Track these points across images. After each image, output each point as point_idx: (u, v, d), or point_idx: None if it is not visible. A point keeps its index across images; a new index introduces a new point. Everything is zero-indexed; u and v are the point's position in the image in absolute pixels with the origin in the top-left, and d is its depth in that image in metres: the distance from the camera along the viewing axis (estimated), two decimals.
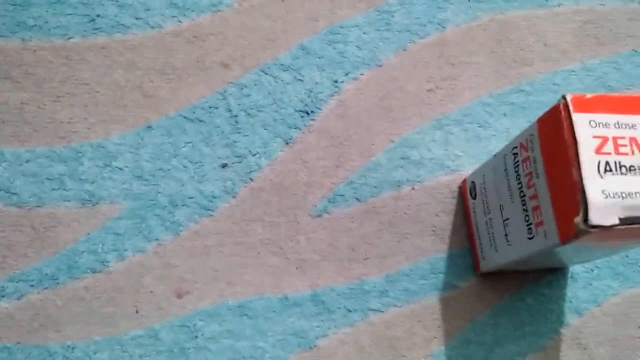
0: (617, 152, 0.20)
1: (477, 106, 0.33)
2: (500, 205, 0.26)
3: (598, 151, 0.20)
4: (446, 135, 0.32)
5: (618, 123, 0.20)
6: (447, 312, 0.29)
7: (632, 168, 0.20)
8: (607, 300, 0.30)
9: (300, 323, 0.28)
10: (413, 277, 0.29)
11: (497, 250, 0.26)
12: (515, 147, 0.24)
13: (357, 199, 0.30)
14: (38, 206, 0.28)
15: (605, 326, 0.30)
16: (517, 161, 0.24)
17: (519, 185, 0.24)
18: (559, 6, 0.36)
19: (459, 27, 0.34)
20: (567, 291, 0.30)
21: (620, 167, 0.20)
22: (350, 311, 0.28)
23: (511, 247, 0.25)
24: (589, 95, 0.21)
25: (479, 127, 0.32)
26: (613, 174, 0.19)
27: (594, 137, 0.20)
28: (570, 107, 0.20)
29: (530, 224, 0.23)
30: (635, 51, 0.35)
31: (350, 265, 0.29)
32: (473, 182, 0.29)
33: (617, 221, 0.19)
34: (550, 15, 0.35)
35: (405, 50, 0.33)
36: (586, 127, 0.20)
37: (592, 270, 0.30)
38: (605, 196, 0.19)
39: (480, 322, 0.29)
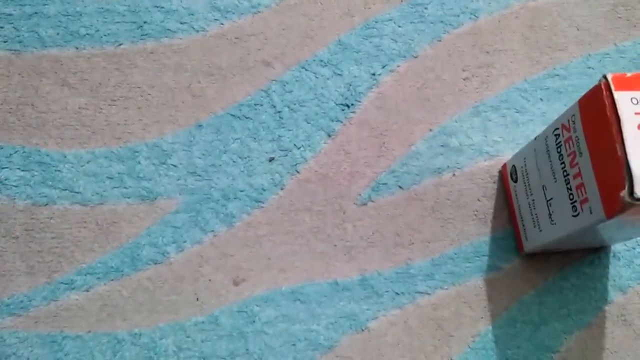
0: None
1: (513, 92, 0.33)
2: (543, 185, 0.26)
3: None
4: (484, 122, 0.33)
5: None
6: (493, 293, 0.30)
7: None
8: None
9: (350, 306, 0.29)
10: (457, 260, 0.30)
11: (540, 230, 0.27)
12: (557, 129, 0.25)
13: (400, 187, 0.31)
14: (100, 204, 0.30)
15: None
16: (559, 142, 0.25)
17: (562, 165, 0.24)
18: None
19: (492, 15, 0.35)
20: (609, 269, 0.30)
21: None
22: (398, 294, 0.30)
23: (555, 226, 0.26)
24: (629, 74, 0.21)
25: (516, 112, 0.33)
26: None
27: (636, 113, 0.21)
28: (612, 86, 0.21)
29: (575, 201, 0.24)
30: None
31: (396, 250, 0.30)
32: (514, 165, 0.30)
33: None
34: (580, 0, 0.36)
35: (440, 40, 0.34)
36: (628, 104, 0.21)
37: (634, 249, 0.31)
38: None
39: (526, 301, 0.30)
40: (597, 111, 0.22)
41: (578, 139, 0.23)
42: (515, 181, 0.30)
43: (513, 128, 0.33)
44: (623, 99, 0.21)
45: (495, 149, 0.32)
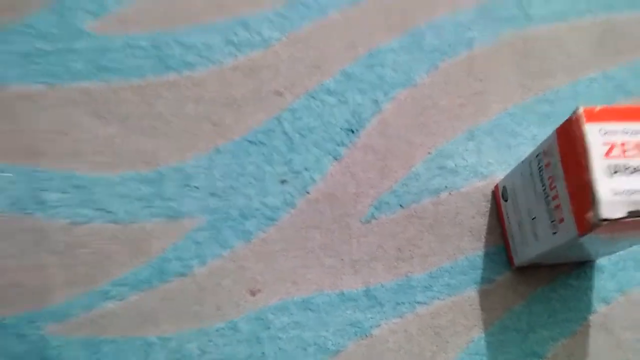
0: (625, 156, 0.23)
1: (506, 117, 0.36)
2: (528, 207, 0.29)
3: (607, 155, 0.23)
4: (478, 145, 0.36)
5: (625, 130, 0.24)
6: (486, 303, 0.33)
7: (638, 169, 0.23)
8: (631, 289, 0.33)
9: (356, 315, 0.32)
10: (453, 273, 0.33)
11: (527, 246, 0.30)
12: (539, 154, 0.28)
13: (401, 206, 0.34)
14: (132, 222, 0.33)
15: (630, 312, 0.33)
16: (541, 166, 0.27)
17: (543, 188, 0.27)
18: (578, 19, 0.39)
19: (486, 45, 0.38)
20: (594, 282, 0.33)
21: (627, 168, 0.23)
22: (399, 304, 0.32)
23: (539, 242, 0.29)
24: (598, 108, 0.24)
25: (508, 136, 0.36)
26: (621, 175, 0.23)
27: (604, 143, 0.23)
28: (582, 119, 0.24)
29: (554, 220, 0.26)
30: None
31: (397, 264, 0.33)
32: (504, 186, 0.33)
33: (625, 214, 0.22)
34: (570, 29, 0.39)
35: (437, 69, 0.37)
36: (596, 135, 0.24)
37: (618, 263, 0.33)
38: (614, 194, 0.23)
39: (516, 311, 0.33)
40: (570, 140, 0.24)
41: (555, 165, 0.26)
42: (506, 200, 0.33)
43: (505, 151, 0.35)
44: (592, 131, 0.24)
45: (488, 170, 0.35)
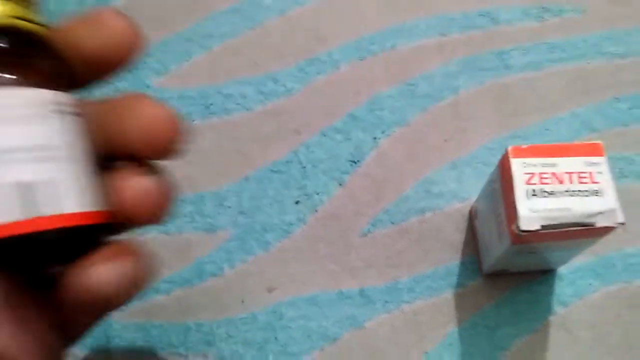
0: (541, 183, 0.30)
1: (484, 150, 0.44)
2: (487, 221, 0.36)
3: (528, 182, 0.30)
4: (459, 174, 0.43)
5: (544, 163, 0.31)
6: (460, 303, 0.39)
7: (551, 193, 0.30)
8: (588, 294, 0.39)
9: (352, 310, 0.40)
10: (434, 278, 0.40)
11: (489, 254, 0.37)
12: (491, 181, 0.35)
13: (392, 223, 0.42)
14: (178, 233, 0.43)
15: (586, 315, 0.38)
16: (494, 188, 0.35)
17: (494, 204, 0.34)
18: (550, 67, 0.46)
19: (469, 90, 0.46)
20: (555, 288, 0.39)
21: (543, 192, 0.30)
22: (388, 302, 0.40)
23: (494, 250, 0.35)
24: (524, 146, 0.31)
25: (485, 166, 0.43)
26: (538, 197, 0.30)
27: (525, 173, 0.31)
28: (510, 154, 0.31)
29: (500, 232, 0.33)
30: (617, 98, 0.45)
31: (387, 270, 0.41)
32: (476, 206, 0.40)
33: (539, 227, 0.29)
34: (544, 75, 0.46)
35: (426, 111, 0.45)
36: (520, 167, 0.31)
37: (576, 272, 0.39)
38: (531, 211, 0.30)
39: (486, 310, 0.39)
40: (504, 171, 0.32)
41: (498, 189, 0.33)
42: (477, 218, 0.40)
43: (481, 177, 0.42)
44: (517, 163, 0.31)
45: (467, 194, 0.42)
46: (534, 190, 0.30)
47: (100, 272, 0.20)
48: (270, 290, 0.41)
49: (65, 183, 0.20)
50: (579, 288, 0.39)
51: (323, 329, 0.40)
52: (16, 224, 0.19)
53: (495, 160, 0.43)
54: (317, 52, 0.47)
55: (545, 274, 0.40)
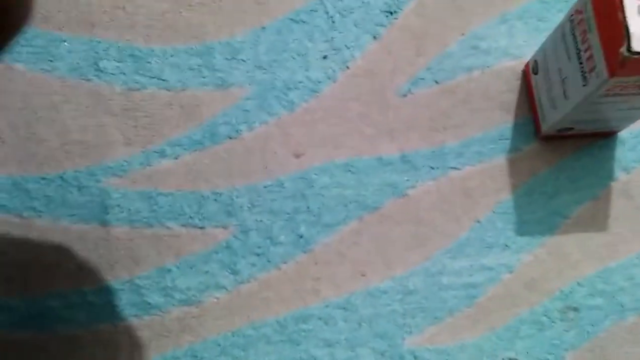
0: None
1: (536, 3, 0.38)
2: (559, 68, 0.31)
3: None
4: (510, 29, 0.37)
5: None
6: (513, 169, 0.35)
7: None
8: None
9: (392, 177, 0.35)
10: (484, 142, 0.35)
11: (556, 108, 0.32)
12: (572, 15, 0.30)
13: (436, 82, 0.36)
14: (183, 89, 0.36)
15: None
16: (573, 25, 0.29)
17: (575, 44, 0.29)
18: None
19: None
20: (616, 152, 0.35)
21: None
22: (433, 168, 0.35)
23: (568, 100, 0.31)
24: None
25: (538, 20, 0.38)
26: None
27: None
28: None
29: (585, 72, 0.29)
30: None
31: (431, 133, 0.36)
32: (535, 60, 0.35)
33: None
34: None
35: None
36: None
37: (638, 136, 0.36)
38: None
39: (542, 177, 0.35)
40: None
41: (589, 18, 0.28)
42: (536, 73, 0.35)
43: (535, 34, 0.37)
44: None
45: (519, 52, 0.37)
46: None
47: None
48: (297, 155, 0.35)
49: None
50: None
51: (361, 198, 0.34)
52: None
53: (550, 14, 0.38)
54: None
55: (606, 138, 0.36)
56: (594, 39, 0.27)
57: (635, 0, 0.25)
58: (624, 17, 0.25)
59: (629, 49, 0.25)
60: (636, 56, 0.25)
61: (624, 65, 0.25)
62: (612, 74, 0.26)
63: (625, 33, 0.25)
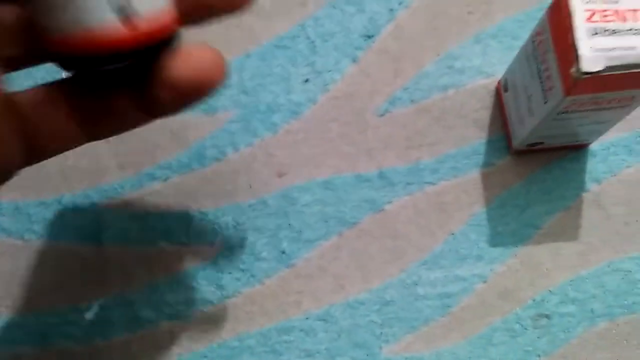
0: (603, 20, 0.27)
1: (511, 23, 0.40)
2: (525, 85, 0.33)
3: (588, 20, 0.27)
4: (484, 48, 0.39)
5: (604, 0, 0.27)
6: (487, 184, 0.36)
7: (614, 31, 0.27)
8: (621, 171, 0.36)
9: (370, 193, 0.36)
10: (458, 157, 0.37)
11: (523, 125, 0.34)
12: (534, 36, 0.31)
13: (412, 101, 0.38)
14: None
15: (620, 191, 0.36)
16: (535, 45, 0.31)
17: (537, 63, 0.31)
18: None
19: None
20: (587, 164, 0.37)
21: (606, 31, 0.27)
22: (409, 184, 0.37)
23: (534, 117, 0.32)
24: None
25: (512, 39, 0.39)
26: (600, 36, 0.26)
27: (585, 10, 0.27)
28: None
29: (545, 90, 0.30)
30: None
31: (407, 151, 0.37)
32: (506, 78, 0.36)
33: (603, 67, 0.26)
34: None
35: None
36: (579, 4, 0.27)
37: (609, 148, 0.37)
38: (593, 51, 0.26)
39: (514, 189, 0.36)
40: (558, 13, 0.28)
41: (547, 39, 0.29)
42: (507, 91, 0.36)
43: (508, 52, 0.39)
44: (575, 1, 0.27)
45: (492, 70, 0.39)
46: (595, 29, 0.27)
47: (199, 54, 0.22)
48: (280, 174, 0.37)
49: None
50: (612, 164, 0.37)
51: (341, 214, 0.36)
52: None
53: (524, 33, 0.39)
54: None
55: (577, 151, 0.37)
56: (552, 59, 0.29)
57: (585, 22, 0.27)
58: (574, 39, 0.27)
59: (578, 69, 0.26)
60: (586, 76, 0.26)
61: (576, 84, 0.27)
62: (567, 92, 0.28)
63: (575, 55, 0.26)
